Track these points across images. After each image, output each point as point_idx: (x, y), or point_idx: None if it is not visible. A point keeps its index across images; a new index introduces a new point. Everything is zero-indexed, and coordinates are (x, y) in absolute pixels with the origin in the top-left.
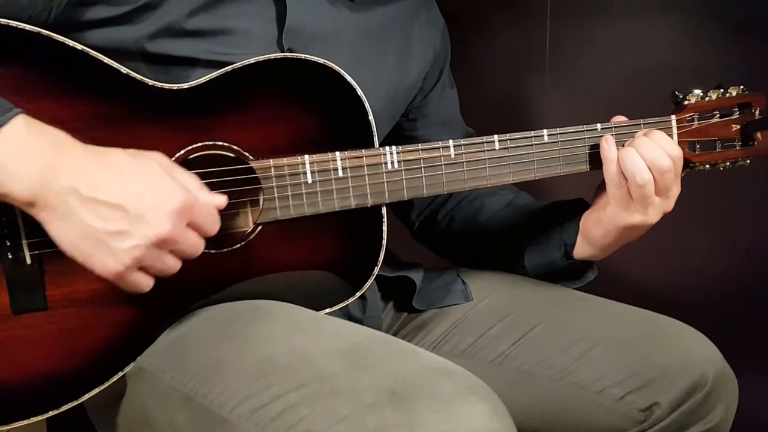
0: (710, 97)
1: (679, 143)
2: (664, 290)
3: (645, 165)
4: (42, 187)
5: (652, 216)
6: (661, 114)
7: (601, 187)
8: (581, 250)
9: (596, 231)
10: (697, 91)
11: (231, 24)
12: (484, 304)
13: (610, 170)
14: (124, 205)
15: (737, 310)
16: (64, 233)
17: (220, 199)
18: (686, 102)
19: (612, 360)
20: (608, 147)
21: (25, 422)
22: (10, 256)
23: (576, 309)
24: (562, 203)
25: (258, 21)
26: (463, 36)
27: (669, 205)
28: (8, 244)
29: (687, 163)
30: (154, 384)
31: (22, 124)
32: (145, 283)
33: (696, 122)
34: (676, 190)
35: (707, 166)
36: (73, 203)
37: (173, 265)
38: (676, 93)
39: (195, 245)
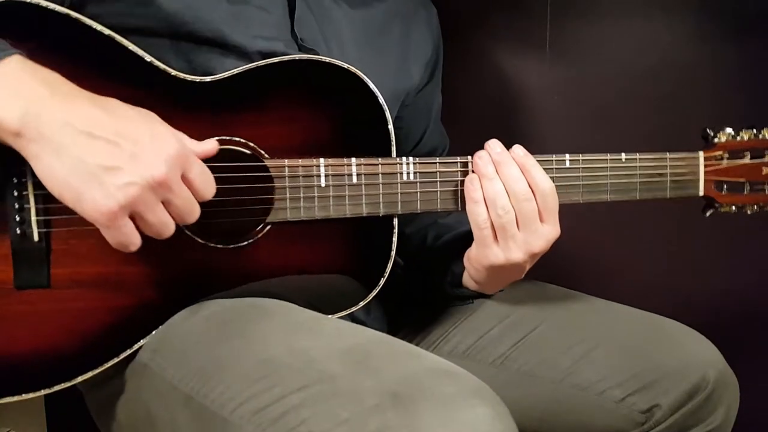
0: (742, 137)
1: (706, 181)
2: (665, 292)
3: (505, 192)
4: (34, 116)
5: (514, 252)
6: (660, 114)
7: None
8: (468, 282)
9: (469, 268)
10: (729, 130)
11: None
12: (485, 305)
13: (474, 212)
14: (119, 143)
15: (738, 312)
16: (52, 169)
17: (209, 145)
18: (716, 140)
19: (613, 361)
20: (474, 188)
21: (16, 398)
22: (18, 232)
23: (577, 310)
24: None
25: (274, 7)
26: (463, 35)
27: (535, 243)
28: (17, 219)
29: (712, 203)
30: (157, 382)
31: (17, 62)
32: (133, 236)
33: (725, 161)
34: (548, 229)
35: (733, 207)
36: (66, 137)
37: (165, 220)
38: (707, 130)
39: (188, 202)
